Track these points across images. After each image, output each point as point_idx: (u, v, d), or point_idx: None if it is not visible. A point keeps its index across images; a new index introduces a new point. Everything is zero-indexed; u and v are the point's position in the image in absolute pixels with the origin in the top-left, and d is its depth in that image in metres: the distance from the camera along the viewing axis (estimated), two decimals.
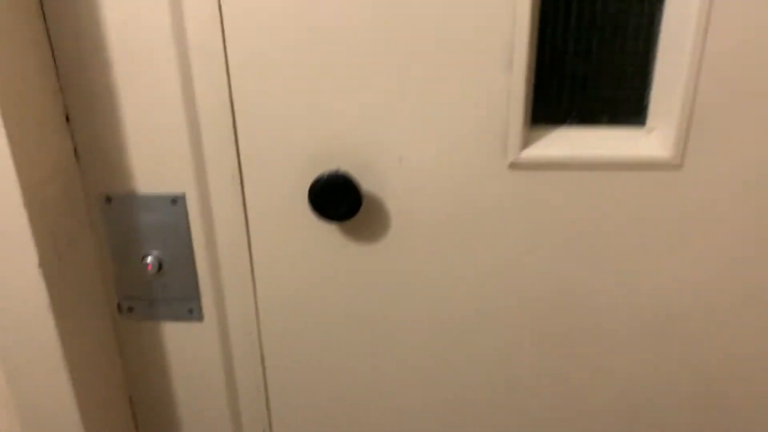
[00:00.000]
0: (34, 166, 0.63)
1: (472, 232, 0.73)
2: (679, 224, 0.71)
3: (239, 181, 0.73)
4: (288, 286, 0.78)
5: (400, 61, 0.66)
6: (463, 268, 0.75)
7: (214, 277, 0.77)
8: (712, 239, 0.72)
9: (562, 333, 0.79)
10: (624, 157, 0.69)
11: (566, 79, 0.70)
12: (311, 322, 0.80)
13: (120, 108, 0.70)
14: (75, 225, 0.72)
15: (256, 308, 0.79)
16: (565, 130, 0.71)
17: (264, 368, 0.83)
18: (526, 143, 0.69)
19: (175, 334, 0.81)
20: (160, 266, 0.76)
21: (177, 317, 0.80)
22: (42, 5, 0.65)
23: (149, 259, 0.76)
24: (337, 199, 0.69)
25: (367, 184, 0.71)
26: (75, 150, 0.72)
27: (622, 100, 0.70)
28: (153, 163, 0.72)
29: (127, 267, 0.77)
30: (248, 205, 0.74)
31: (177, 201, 0.73)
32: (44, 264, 0.65)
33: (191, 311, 0.79)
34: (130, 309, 0.80)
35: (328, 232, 0.74)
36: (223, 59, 0.67)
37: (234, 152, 0.71)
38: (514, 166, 0.70)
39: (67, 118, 0.70)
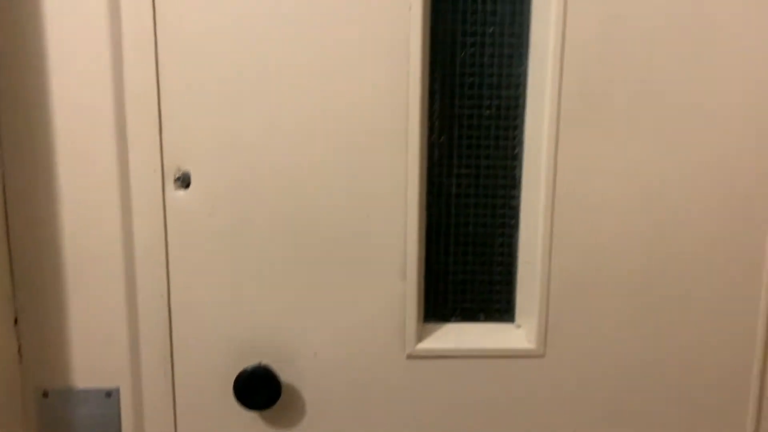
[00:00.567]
0: None
1: (377, 416, 0.85)
2: (545, 403, 0.86)
3: (171, 373, 0.82)
4: None
5: (314, 271, 0.80)
6: None
7: None
8: (571, 415, 0.87)
9: None
10: (499, 349, 0.85)
11: (450, 284, 0.87)
12: None
13: (67, 307, 0.79)
14: (10, 419, 0.77)
15: None
16: (452, 326, 0.87)
17: None
18: (420, 338, 0.84)
19: None
20: None
21: None
22: (7, 229, 0.76)
23: None
24: (259, 390, 0.79)
25: (286, 376, 0.82)
26: (19, 349, 0.80)
27: (495, 302, 0.87)
28: (91, 357, 0.81)
29: None
30: (177, 394, 0.83)
31: (111, 394, 0.81)
32: None
33: None
34: None
35: (250, 419, 0.83)
36: (164, 270, 0.79)
37: (168, 347, 0.81)
38: (411, 357, 0.84)
39: (16, 321, 0.79)
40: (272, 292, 0.81)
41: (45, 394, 0.80)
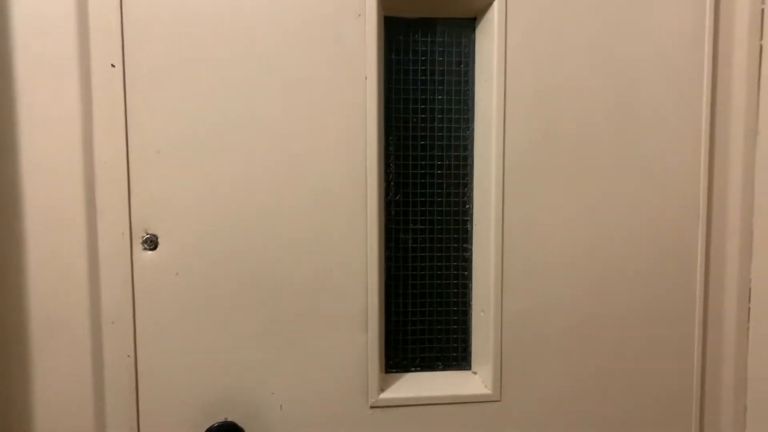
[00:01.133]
0: None
1: None
2: None
3: None
4: None
5: (279, 327, 0.84)
6: None
7: None
8: None
9: None
10: (457, 395, 0.88)
11: (409, 335, 0.91)
12: None
13: (32, 373, 0.80)
14: None
15: None
16: (412, 375, 0.91)
17: None
18: (382, 388, 0.87)
19: None
20: None
21: None
22: None
23: None
24: None
25: (252, 430, 0.84)
26: None
27: (452, 350, 0.92)
28: (56, 423, 0.81)
29: None
30: None
31: None
32: None
33: None
34: None
35: None
36: (131, 330, 0.81)
37: (134, 408, 0.82)
38: (375, 407, 0.86)
39: None
40: (238, 349, 0.83)
41: None
